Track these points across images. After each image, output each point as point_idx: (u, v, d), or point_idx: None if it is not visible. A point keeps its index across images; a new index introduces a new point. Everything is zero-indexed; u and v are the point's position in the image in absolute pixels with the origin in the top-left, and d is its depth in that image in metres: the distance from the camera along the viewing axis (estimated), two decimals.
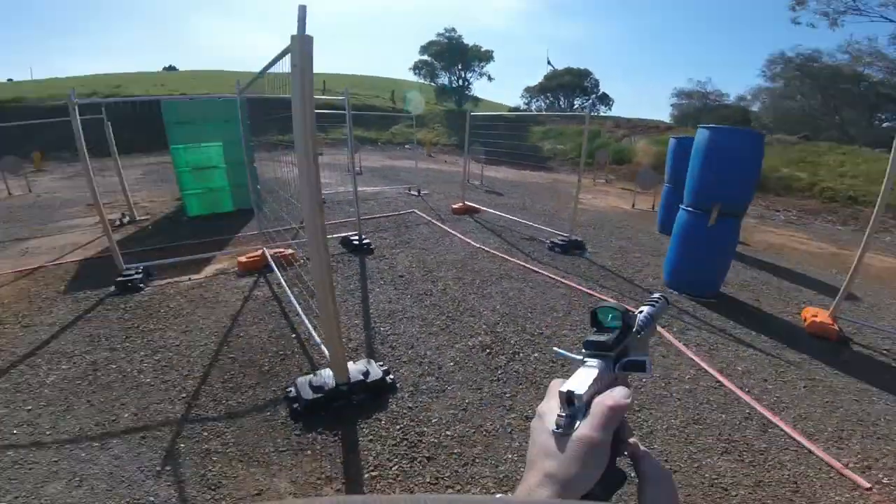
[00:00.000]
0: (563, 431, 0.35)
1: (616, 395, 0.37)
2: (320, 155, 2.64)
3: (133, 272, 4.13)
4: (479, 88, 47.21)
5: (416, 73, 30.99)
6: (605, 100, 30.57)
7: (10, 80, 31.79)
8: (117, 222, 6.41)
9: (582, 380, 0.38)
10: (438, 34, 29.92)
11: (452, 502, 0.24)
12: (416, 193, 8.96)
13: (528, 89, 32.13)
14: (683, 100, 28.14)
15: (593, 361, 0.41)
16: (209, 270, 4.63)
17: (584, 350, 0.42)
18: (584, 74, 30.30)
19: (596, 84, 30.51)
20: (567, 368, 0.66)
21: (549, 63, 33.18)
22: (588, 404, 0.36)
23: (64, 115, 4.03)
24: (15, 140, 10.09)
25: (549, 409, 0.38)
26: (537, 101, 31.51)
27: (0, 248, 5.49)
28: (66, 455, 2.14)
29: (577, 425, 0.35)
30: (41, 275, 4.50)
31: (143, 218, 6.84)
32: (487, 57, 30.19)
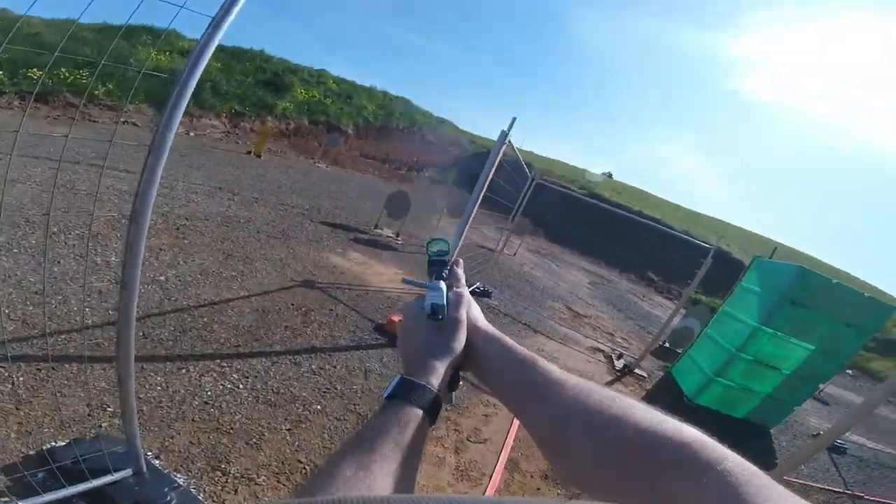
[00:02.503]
0: (435, 318, 0.54)
1: (460, 288, 0.60)
2: None
3: None
4: None
5: None
6: None
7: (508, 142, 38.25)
8: (617, 363, 5.77)
9: (438, 299, 0.55)
10: None
11: (452, 502, 0.25)
12: None
13: None
14: None
15: (437, 274, 0.59)
16: None
17: (429, 268, 0.61)
18: None
19: None
20: None
21: None
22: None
23: None
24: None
25: (417, 308, 0.57)
26: None
27: None
28: None
29: (444, 312, 0.54)
30: None
31: (640, 372, 5.80)
32: None
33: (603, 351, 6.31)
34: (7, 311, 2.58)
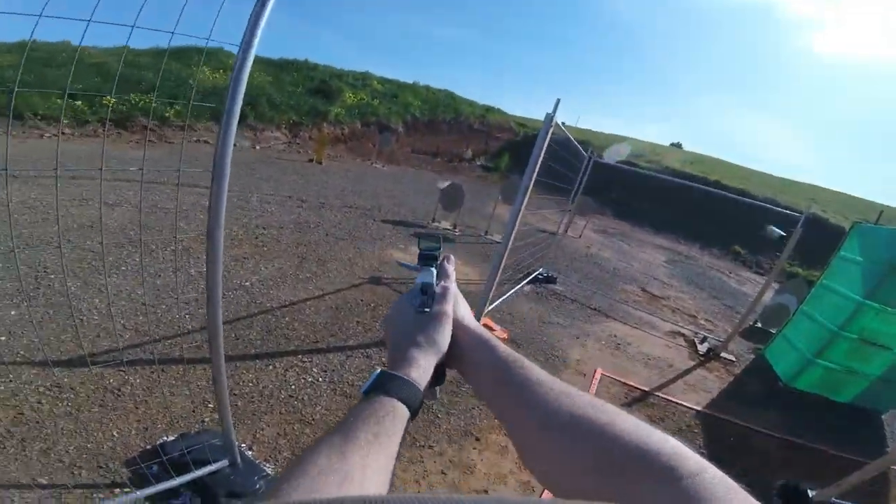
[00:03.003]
0: (422, 311, 0.54)
1: (449, 282, 0.58)
2: None
3: None
4: None
5: None
6: None
7: (563, 123, 38.36)
8: (700, 347, 5.46)
9: (427, 277, 0.58)
10: None
11: (452, 502, 0.25)
12: None
13: None
14: None
15: (427, 269, 0.60)
16: None
17: (419, 263, 0.62)
18: None
19: None
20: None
21: None
22: (433, 294, 0.56)
23: None
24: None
25: (405, 301, 0.57)
26: None
27: None
28: None
29: (431, 306, 0.55)
30: None
31: (727, 356, 5.38)
32: None
33: (684, 335, 5.89)
34: (122, 322, 2.98)
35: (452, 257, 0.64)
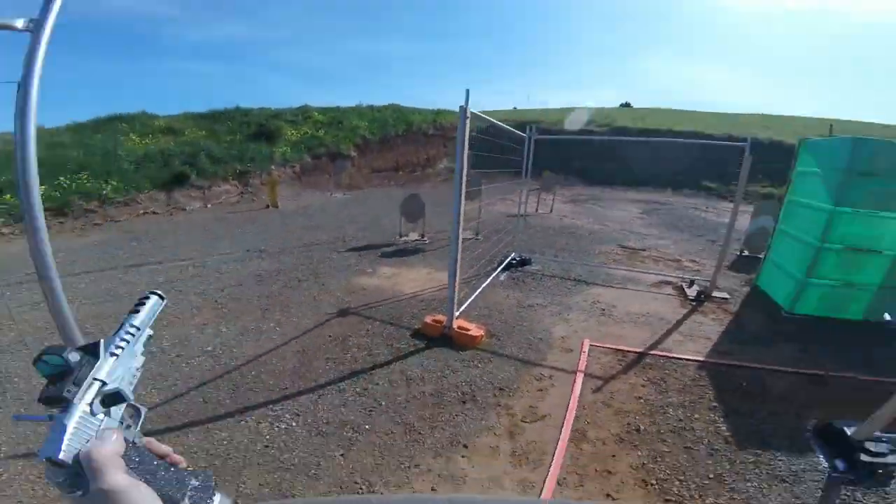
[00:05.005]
0: (73, 493, 0.37)
1: (102, 443, 0.40)
2: None
3: None
4: None
5: None
6: None
7: (514, 108, 35.10)
8: (689, 292, 5.48)
9: (59, 439, 0.38)
10: None
11: (451, 502, 0.18)
12: None
13: None
14: None
15: (64, 415, 0.39)
16: None
17: (45, 407, 0.41)
18: None
19: None
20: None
21: None
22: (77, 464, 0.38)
23: None
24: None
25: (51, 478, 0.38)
26: None
27: None
28: None
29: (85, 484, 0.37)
30: None
31: (719, 295, 5.42)
32: None
33: (671, 282, 5.94)
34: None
35: (107, 368, 0.45)
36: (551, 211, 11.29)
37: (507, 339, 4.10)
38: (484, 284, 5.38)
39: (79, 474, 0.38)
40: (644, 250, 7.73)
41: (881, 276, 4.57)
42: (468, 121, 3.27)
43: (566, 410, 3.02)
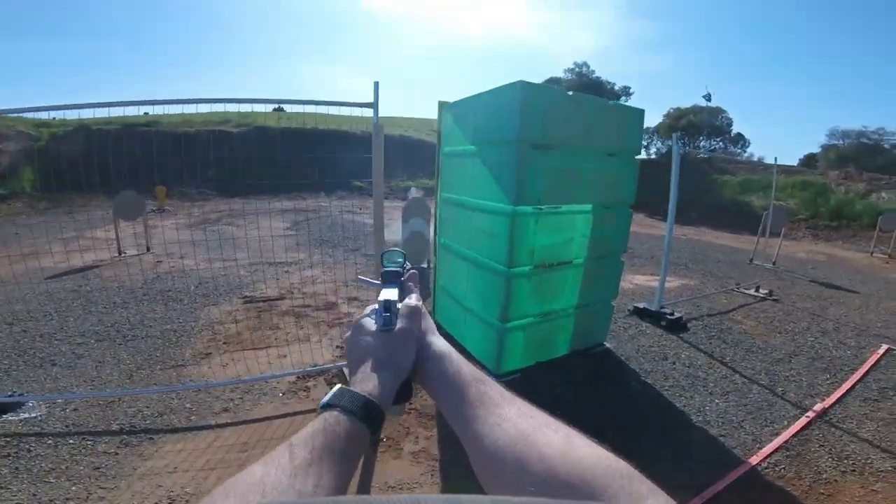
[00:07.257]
0: (385, 329, 0.51)
1: (413, 300, 0.57)
2: None
3: None
4: None
5: None
6: (741, 141, 27.91)
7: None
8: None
9: (390, 295, 0.55)
10: (567, 70, 29.55)
11: (451, 502, 0.25)
12: None
13: (646, 130, 27.53)
14: (838, 140, 24.38)
15: (390, 286, 0.58)
16: None
17: (381, 279, 0.61)
18: (716, 112, 27.50)
19: (730, 123, 27.76)
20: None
21: (707, 98, 28.39)
22: (396, 312, 0.53)
23: None
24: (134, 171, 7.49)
25: (368, 320, 0.54)
26: (658, 143, 28.19)
27: None
28: None
29: (394, 324, 0.52)
30: None
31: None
32: (625, 93, 28.86)
33: (317, 376, 3.34)
34: None
35: (416, 273, 0.63)
36: (148, 250, 7.27)
37: None
38: None
39: (389, 321, 0.52)
40: (281, 298, 4.99)
41: (577, 292, 3.33)
42: None
43: None
